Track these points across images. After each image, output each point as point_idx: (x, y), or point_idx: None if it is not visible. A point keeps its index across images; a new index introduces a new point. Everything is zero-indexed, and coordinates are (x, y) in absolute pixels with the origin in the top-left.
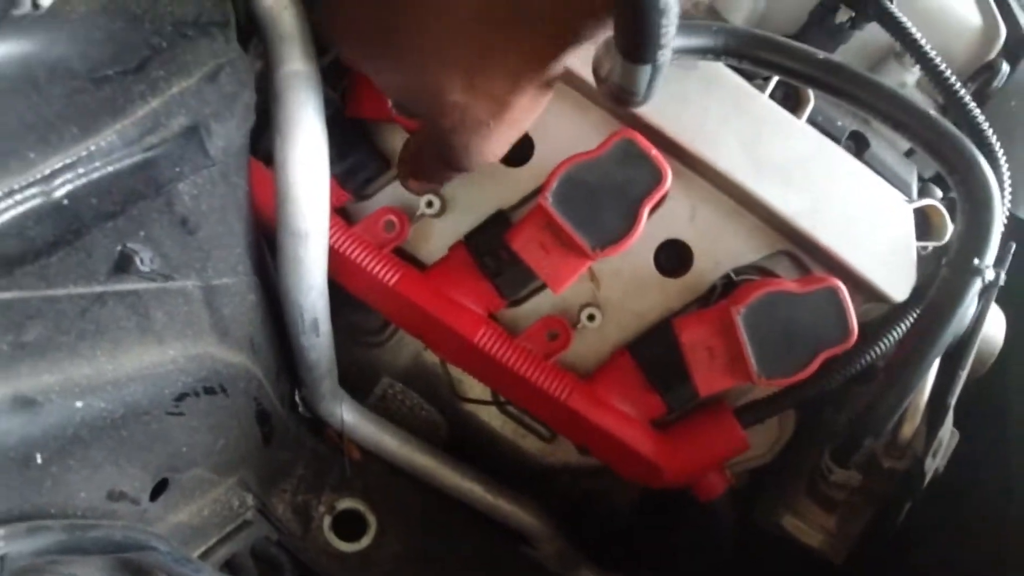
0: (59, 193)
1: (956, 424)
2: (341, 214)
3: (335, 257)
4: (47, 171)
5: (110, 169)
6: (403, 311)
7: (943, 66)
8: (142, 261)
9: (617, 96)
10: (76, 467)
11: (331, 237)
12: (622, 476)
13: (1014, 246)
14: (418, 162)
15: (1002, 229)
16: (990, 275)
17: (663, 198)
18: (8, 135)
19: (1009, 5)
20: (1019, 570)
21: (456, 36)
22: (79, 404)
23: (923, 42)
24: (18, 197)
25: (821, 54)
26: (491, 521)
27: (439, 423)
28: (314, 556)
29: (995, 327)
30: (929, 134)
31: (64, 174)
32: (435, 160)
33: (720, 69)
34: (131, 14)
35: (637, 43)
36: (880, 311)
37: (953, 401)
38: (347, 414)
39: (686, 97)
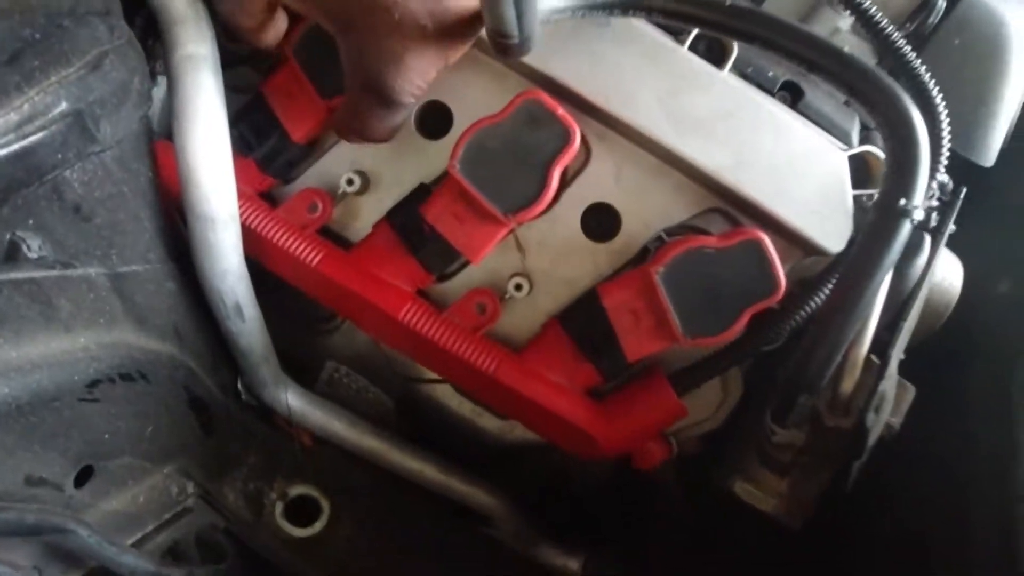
0: None
1: (915, 378)
2: (267, 199)
3: (258, 240)
4: None
5: None
6: (329, 291)
7: (873, 10)
8: (30, 248)
9: (495, 42)
10: None
11: (252, 220)
12: (563, 449)
13: (964, 190)
14: (353, 112)
15: (933, 167)
16: (919, 215)
17: (586, 160)
18: None
19: None
20: (980, 534)
21: None
22: None
23: None
24: None
25: (729, 0)
26: (449, 502)
27: (387, 405)
28: (266, 542)
29: (951, 276)
30: (843, 72)
31: None
32: (369, 100)
33: (635, 24)
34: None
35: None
36: (825, 263)
37: (894, 353)
38: (292, 400)
39: (600, 55)
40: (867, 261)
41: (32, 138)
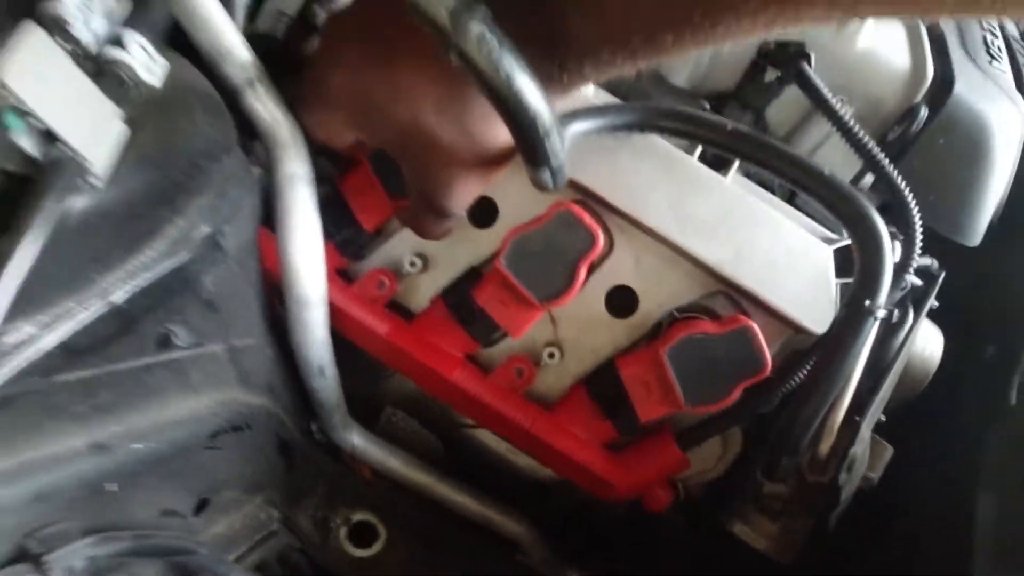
0: (116, 299)
1: (897, 440)
2: (342, 275)
3: (337, 313)
4: (106, 286)
5: (151, 276)
6: (393, 356)
7: (855, 127)
8: (177, 337)
9: (536, 185)
10: (137, 493)
11: (332, 296)
12: (584, 488)
13: (944, 274)
14: (414, 217)
15: (904, 266)
16: (881, 314)
17: (610, 249)
18: (76, 265)
19: (946, 45)
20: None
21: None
22: (138, 446)
23: (835, 104)
24: (87, 307)
25: (730, 124)
26: (485, 529)
27: (436, 445)
28: (333, 562)
29: (931, 347)
30: (825, 192)
31: (118, 286)
32: (426, 210)
33: (651, 139)
34: (156, 162)
35: (531, 158)
36: (812, 340)
37: (865, 422)
38: (357, 440)
39: (621, 165)
40: (837, 349)
41: (182, 256)
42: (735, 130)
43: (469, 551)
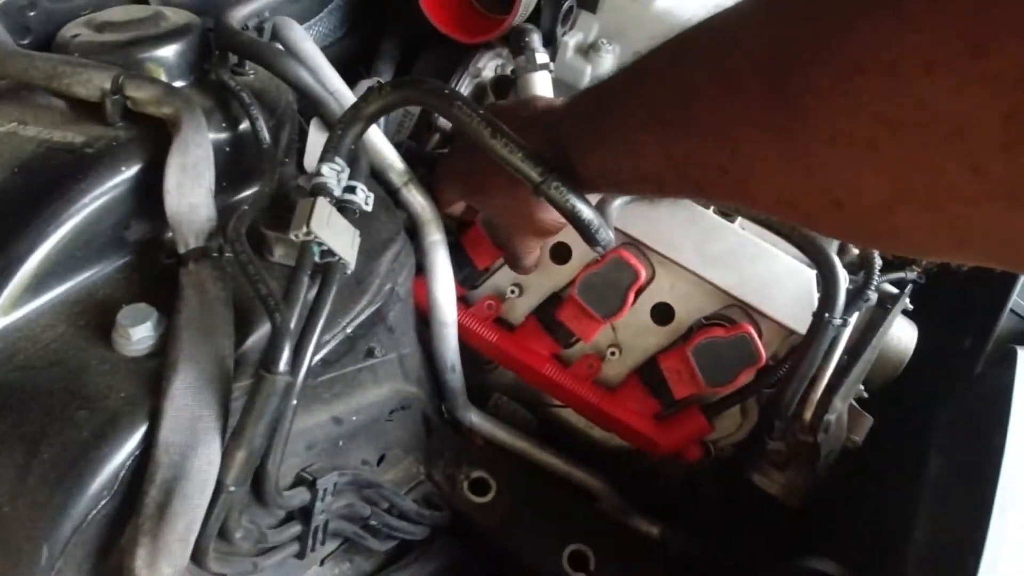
0: (348, 331)
1: (880, 412)
2: (462, 300)
3: (461, 328)
4: (344, 324)
5: (365, 315)
6: (501, 356)
7: None
8: (376, 352)
9: (595, 251)
10: (352, 448)
11: (458, 317)
12: (639, 448)
13: (912, 284)
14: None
15: (865, 286)
16: (838, 322)
17: (652, 276)
18: (331, 316)
19: None
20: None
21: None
22: (354, 418)
23: None
24: (336, 338)
25: None
26: (571, 483)
27: (531, 421)
28: (459, 506)
29: (906, 340)
30: (797, 238)
31: (348, 325)
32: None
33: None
34: (364, 249)
35: (589, 242)
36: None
37: (837, 395)
38: (474, 418)
39: (659, 218)
40: (808, 347)
41: (378, 302)
42: None
43: (558, 499)
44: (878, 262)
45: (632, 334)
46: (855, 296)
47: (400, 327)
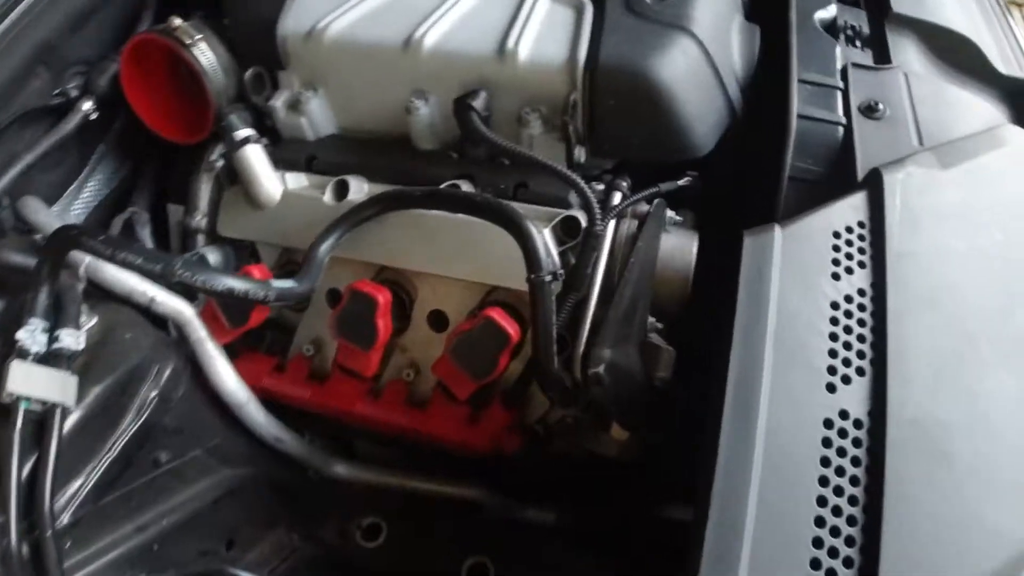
0: (116, 454)
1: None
2: (277, 368)
3: (275, 395)
4: (106, 450)
5: (131, 435)
6: (321, 409)
7: (506, 146)
8: (162, 459)
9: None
10: (174, 546)
11: (273, 386)
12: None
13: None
14: None
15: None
16: (549, 278)
17: (416, 293)
18: (90, 445)
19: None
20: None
21: None
22: (164, 521)
23: (490, 136)
24: (105, 462)
25: (419, 190)
26: (455, 500)
27: (397, 455)
28: (353, 557)
29: (683, 256)
30: (490, 214)
31: (113, 448)
32: None
33: (398, 215)
34: (102, 379)
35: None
36: None
37: (598, 341)
38: (341, 470)
39: (386, 237)
40: (535, 305)
41: (146, 416)
42: (426, 191)
43: (446, 520)
44: (590, 195)
45: (421, 350)
46: (588, 236)
47: (190, 426)
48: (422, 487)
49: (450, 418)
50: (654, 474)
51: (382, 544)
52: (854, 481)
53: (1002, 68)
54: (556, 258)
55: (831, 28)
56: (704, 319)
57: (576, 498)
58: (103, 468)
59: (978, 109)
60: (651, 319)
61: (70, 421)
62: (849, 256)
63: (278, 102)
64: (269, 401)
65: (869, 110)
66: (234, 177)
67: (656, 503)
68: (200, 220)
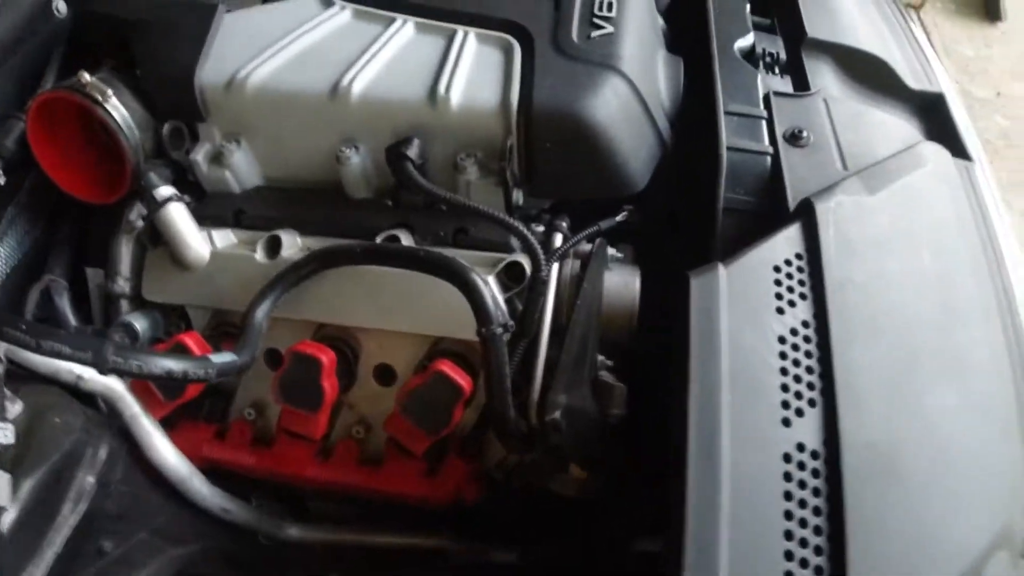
0: (59, 550)
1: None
2: (218, 435)
3: (219, 463)
4: (47, 545)
5: (72, 527)
6: (268, 475)
7: (443, 195)
8: (106, 548)
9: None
10: None
11: (217, 455)
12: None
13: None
14: None
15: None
16: (499, 330)
17: (360, 345)
18: (27, 546)
19: (533, 49)
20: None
21: None
22: None
23: (427, 187)
24: (48, 561)
25: (359, 246)
26: (419, 550)
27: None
28: None
29: (628, 292)
30: (438, 269)
31: (60, 539)
32: None
33: (341, 271)
34: (35, 471)
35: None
36: None
37: (554, 387)
38: (294, 532)
39: (326, 295)
40: (487, 357)
41: (87, 504)
42: (367, 248)
43: (410, 565)
44: (532, 241)
45: (370, 405)
46: (534, 282)
47: (133, 509)
48: (380, 541)
49: (407, 473)
50: (617, 507)
51: None
52: (816, 511)
53: (912, 83)
54: (504, 309)
55: (750, 56)
56: (650, 349)
57: (540, 536)
58: (47, 566)
59: (895, 128)
60: (600, 357)
61: (6, 521)
62: (791, 289)
63: (199, 155)
64: (213, 470)
65: (794, 138)
66: (157, 238)
67: (622, 536)
68: (123, 285)
